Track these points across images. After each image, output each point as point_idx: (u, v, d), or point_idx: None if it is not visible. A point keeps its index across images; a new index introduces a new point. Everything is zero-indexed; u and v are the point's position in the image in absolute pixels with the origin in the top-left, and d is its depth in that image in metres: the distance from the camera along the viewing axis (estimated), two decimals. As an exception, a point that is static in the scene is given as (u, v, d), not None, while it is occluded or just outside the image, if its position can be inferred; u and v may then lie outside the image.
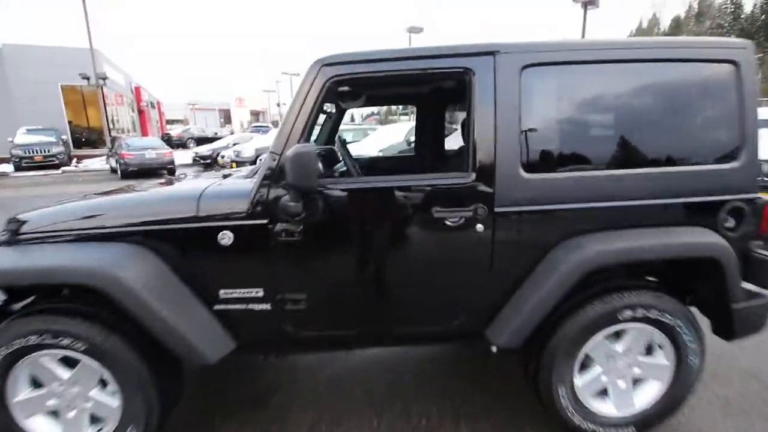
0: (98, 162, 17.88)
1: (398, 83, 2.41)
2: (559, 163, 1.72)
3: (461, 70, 1.67)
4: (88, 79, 18.30)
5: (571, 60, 1.66)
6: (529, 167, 1.70)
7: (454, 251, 1.75)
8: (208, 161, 15.92)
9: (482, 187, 1.69)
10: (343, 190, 1.71)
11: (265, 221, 1.69)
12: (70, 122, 22.40)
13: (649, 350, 1.87)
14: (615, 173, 1.70)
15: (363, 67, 1.67)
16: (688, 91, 1.73)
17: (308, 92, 1.65)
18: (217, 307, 1.76)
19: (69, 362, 1.70)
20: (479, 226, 1.70)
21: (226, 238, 1.69)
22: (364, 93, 2.29)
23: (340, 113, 3.06)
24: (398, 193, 1.72)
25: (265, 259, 1.72)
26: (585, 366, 1.85)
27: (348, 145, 3.43)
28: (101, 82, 18.10)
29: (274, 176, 1.68)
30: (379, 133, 11.21)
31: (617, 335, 1.83)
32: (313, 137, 3.10)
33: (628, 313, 1.73)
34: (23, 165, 16.30)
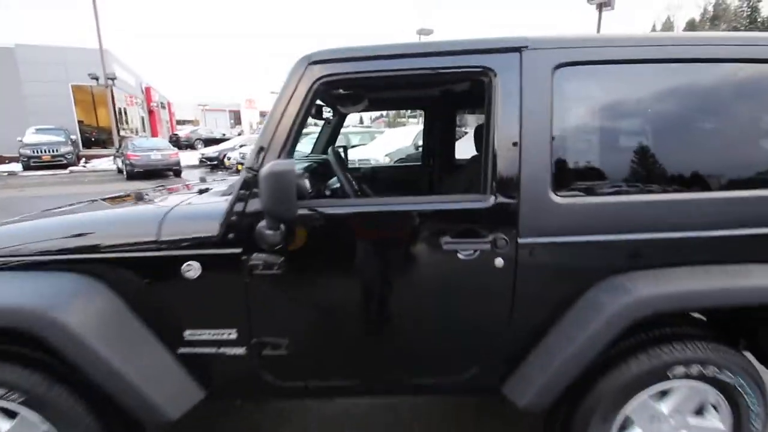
0: (106, 162, 17.86)
1: (403, 85, 2.10)
2: (598, 185, 1.40)
3: (479, 69, 1.37)
4: (97, 79, 18.30)
5: (616, 59, 1.34)
6: (562, 189, 1.38)
7: (467, 290, 1.44)
8: (215, 163, 15.78)
9: (503, 213, 1.38)
10: (332, 215, 1.41)
11: (238, 250, 1.40)
12: (80, 122, 22.50)
13: (700, 410, 1.54)
14: (669, 198, 1.38)
15: (359, 66, 1.38)
16: (762, 97, 1.40)
17: (292, 96, 1.36)
18: (181, 350, 1.48)
19: (10, 413, 1.43)
20: (498, 261, 1.39)
21: (191, 269, 1.41)
22: (362, 95, 1.99)
23: (340, 118, 2.78)
24: (400, 220, 1.42)
25: (238, 296, 1.43)
26: (623, 427, 1.53)
27: (347, 153, 3.15)
28: (110, 82, 18.10)
29: (248, 197, 1.39)
30: (387, 137, 10.97)
31: (663, 392, 1.50)
32: (310, 145, 2.83)
33: (681, 369, 1.41)
34: (31, 164, 16.32)
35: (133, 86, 26.56)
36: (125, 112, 25.23)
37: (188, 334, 1.47)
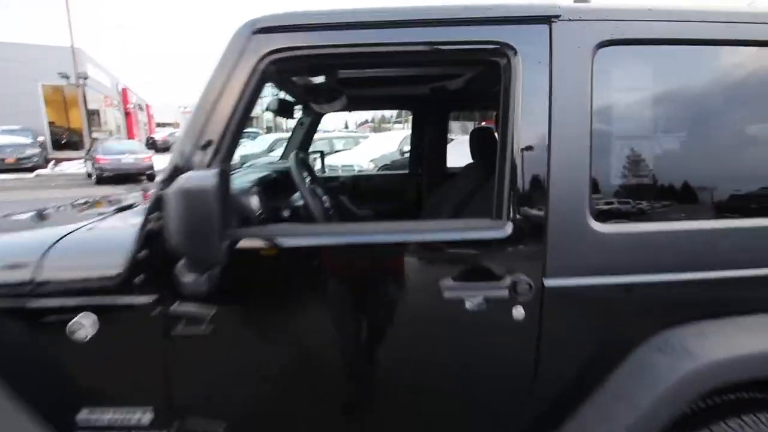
0: (76, 165, 16.98)
1: (388, 66, 1.67)
2: (655, 207, 1.04)
3: (492, 46, 0.98)
4: (67, 78, 17.45)
5: (685, 38, 0.98)
6: (605, 212, 1.01)
7: (474, 351, 1.05)
8: (192, 167, 15.08)
9: (525, 246, 1.00)
10: (283, 249, 1.00)
11: (150, 299, 0.98)
12: (52, 123, 21.48)
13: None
14: (757, 224, 1.02)
15: (328, 37, 0.98)
16: None
17: (229, 78, 0.96)
18: None
19: None
20: (518, 311, 1.01)
21: (82, 327, 0.97)
22: (335, 86, 1.56)
23: (315, 118, 2.37)
24: (379, 257, 1.03)
25: (153, 364, 1.01)
26: None
27: (324, 159, 2.74)
28: (81, 81, 17.28)
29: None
30: (371, 142, 10.64)
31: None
32: (279, 150, 2.41)
33: (760, 453, 1.05)
34: (-7, 167, 15.36)
35: (109, 87, 25.59)
36: (100, 114, 24.24)
37: (84, 414, 1.04)
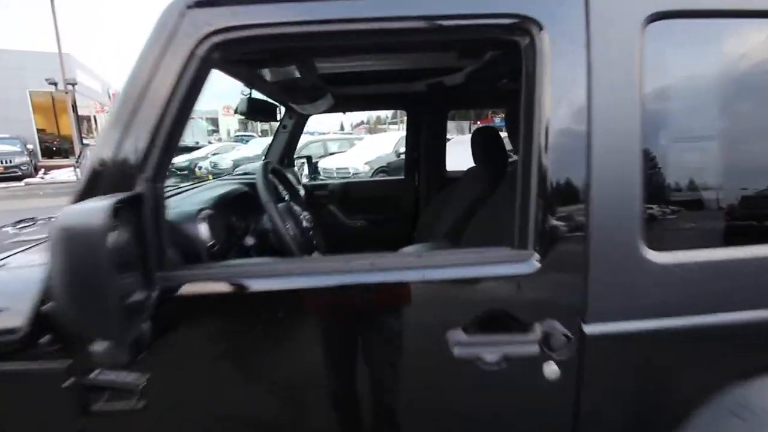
0: (66, 173, 16.70)
1: (371, 54, 1.39)
2: (727, 229, 0.80)
3: (511, 20, 0.74)
4: (55, 84, 17.15)
5: (761, 9, 0.75)
6: (662, 238, 0.77)
7: (492, 419, 0.82)
8: (185, 172, 14.87)
9: (557, 284, 0.76)
10: (233, 294, 0.75)
11: (60, 365, 0.73)
12: (42, 130, 21.22)
13: None
14: None
15: (290, 12, 0.73)
16: None
17: (157, 68, 0.71)
18: None
19: None
20: (550, 369, 0.77)
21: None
22: (312, 77, 1.28)
23: (299, 120, 2.12)
24: (365, 301, 0.79)
25: None
26: None
27: (314, 164, 2.50)
28: (70, 87, 16.98)
29: None
30: (366, 143, 10.44)
31: None
32: (260, 158, 2.16)
33: None
34: (-20, 177, 15.08)
35: (99, 92, 25.32)
36: (93, 120, 23.94)
37: None
